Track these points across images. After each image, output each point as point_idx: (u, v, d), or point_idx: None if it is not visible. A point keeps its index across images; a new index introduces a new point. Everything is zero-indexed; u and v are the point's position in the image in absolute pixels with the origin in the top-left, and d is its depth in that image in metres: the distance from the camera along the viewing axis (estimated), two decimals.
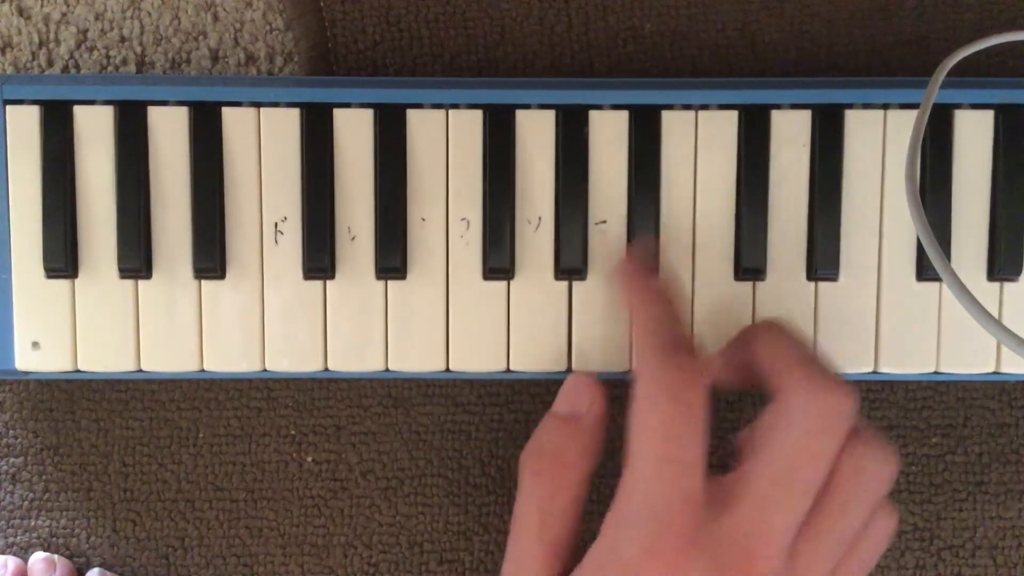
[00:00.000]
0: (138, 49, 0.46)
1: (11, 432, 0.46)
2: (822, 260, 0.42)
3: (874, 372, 0.43)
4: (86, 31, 0.46)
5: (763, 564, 0.35)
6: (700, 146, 0.42)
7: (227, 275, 0.42)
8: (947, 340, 0.43)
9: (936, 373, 0.43)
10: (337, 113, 0.42)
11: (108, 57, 0.46)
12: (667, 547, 0.35)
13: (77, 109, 0.42)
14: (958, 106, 0.42)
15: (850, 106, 0.42)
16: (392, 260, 0.42)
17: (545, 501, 0.39)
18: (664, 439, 0.35)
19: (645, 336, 0.38)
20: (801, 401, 0.36)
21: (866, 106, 0.42)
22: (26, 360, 0.42)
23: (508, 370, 0.43)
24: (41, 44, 0.46)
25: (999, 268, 0.42)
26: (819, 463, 0.36)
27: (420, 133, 0.42)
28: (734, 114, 0.42)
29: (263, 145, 0.42)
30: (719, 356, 0.41)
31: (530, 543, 0.39)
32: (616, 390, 0.46)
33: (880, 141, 0.42)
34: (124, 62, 0.46)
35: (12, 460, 0.46)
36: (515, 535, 0.39)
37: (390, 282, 0.42)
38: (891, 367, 0.43)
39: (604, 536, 0.37)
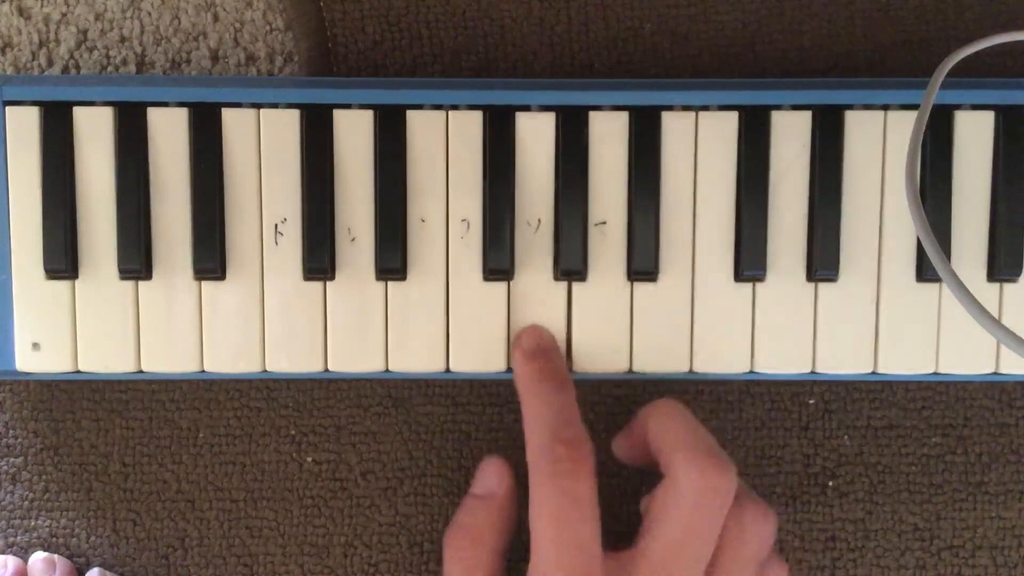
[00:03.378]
0: (138, 49, 0.46)
1: (11, 432, 0.46)
2: (822, 260, 0.42)
3: (874, 372, 0.43)
4: (86, 31, 0.46)
5: None
6: (700, 146, 0.42)
7: (227, 276, 0.42)
8: (947, 340, 0.43)
9: (936, 373, 0.43)
10: (337, 113, 0.42)
11: (108, 57, 0.46)
12: None
13: (77, 110, 0.42)
14: (958, 106, 0.42)
15: (850, 106, 0.42)
16: (392, 260, 0.42)
17: None
18: (556, 526, 0.38)
19: (528, 432, 0.41)
20: (686, 480, 0.39)
21: (866, 106, 0.42)
22: (26, 361, 0.42)
23: (508, 370, 0.43)
24: (41, 44, 0.46)
25: (999, 268, 0.42)
26: (707, 535, 0.39)
27: (420, 134, 0.42)
28: (734, 114, 0.42)
29: (263, 145, 0.42)
30: (619, 437, 0.44)
31: None
32: (617, 390, 0.46)
33: (880, 141, 0.42)
34: (124, 62, 0.46)
35: (12, 460, 0.46)
36: None
37: (390, 282, 0.42)
38: (891, 367, 0.43)
39: None
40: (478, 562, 0.41)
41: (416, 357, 0.43)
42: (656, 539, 0.39)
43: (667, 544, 0.39)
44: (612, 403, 0.46)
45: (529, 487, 0.40)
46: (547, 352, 0.42)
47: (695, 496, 0.39)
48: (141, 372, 0.42)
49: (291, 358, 0.42)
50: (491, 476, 0.43)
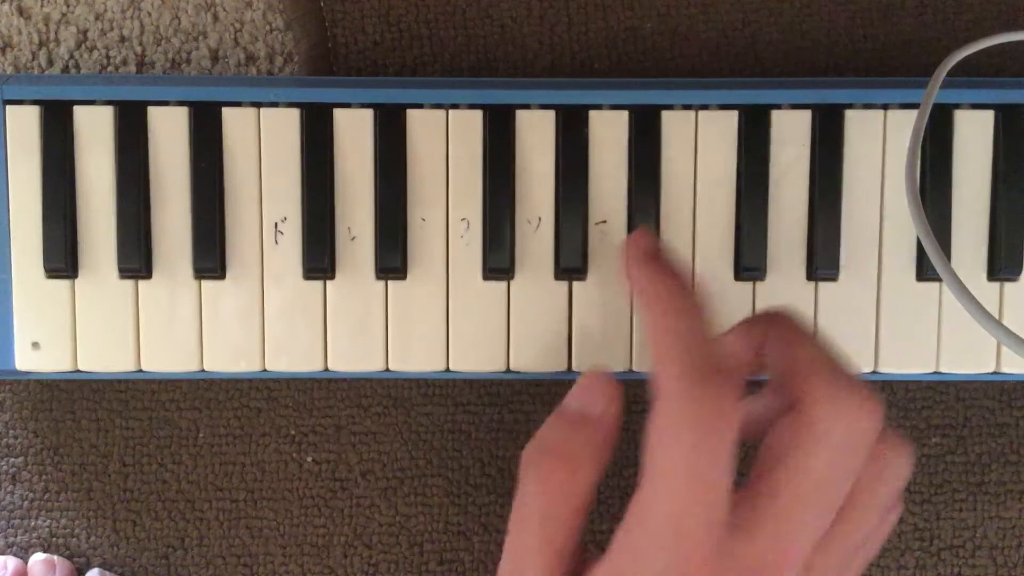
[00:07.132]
0: (138, 49, 0.46)
1: (11, 432, 0.46)
2: (822, 260, 0.42)
3: (874, 372, 0.43)
4: (86, 31, 0.46)
5: None
6: (700, 146, 0.42)
7: (227, 275, 0.42)
8: (947, 340, 0.42)
9: (936, 373, 0.43)
10: (337, 113, 0.42)
11: (108, 57, 0.46)
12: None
13: (77, 109, 0.42)
14: (958, 106, 0.42)
15: (850, 106, 0.42)
16: (392, 260, 0.42)
17: (551, 507, 0.35)
18: (693, 467, 0.32)
19: (673, 353, 0.34)
20: (827, 417, 0.33)
21: (866, 106, 0.42)
22: (26, 360, 0.42)
23: (508, 370, 0.43)
24: (41, 44, 0.46)
25: (999, 268, 0.42)
26: (845, 481, 0.34)
27: (420, 133, 0.42)
28: (734, 114, 0.42)
29: (263, 145, 0.42)
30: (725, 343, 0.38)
31: (532, 549, 0.36)
32: None
33: (880, 141, 0.42)
34: (124, 62, 0.46)
35: (12, 460, 0.46)
36: (516, 538, 0.36)
37: (390, 282, 0.42)
38: (891, 367, 0.43)
39: (615, 559, 0.34)
40: (571, 491, 0.35)
41: (416, 357, 0.43)
42: (784, 483, 0.33)
43: (797, 491, 0.33)
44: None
45: (660, 410, 0.33)
46: (662, 252, 0.37)
47: (836, 437, 0.33)
48: (141, 372, 0.42)
49: (291, 358, 0.42)
50: (595, 395, 0.36)
